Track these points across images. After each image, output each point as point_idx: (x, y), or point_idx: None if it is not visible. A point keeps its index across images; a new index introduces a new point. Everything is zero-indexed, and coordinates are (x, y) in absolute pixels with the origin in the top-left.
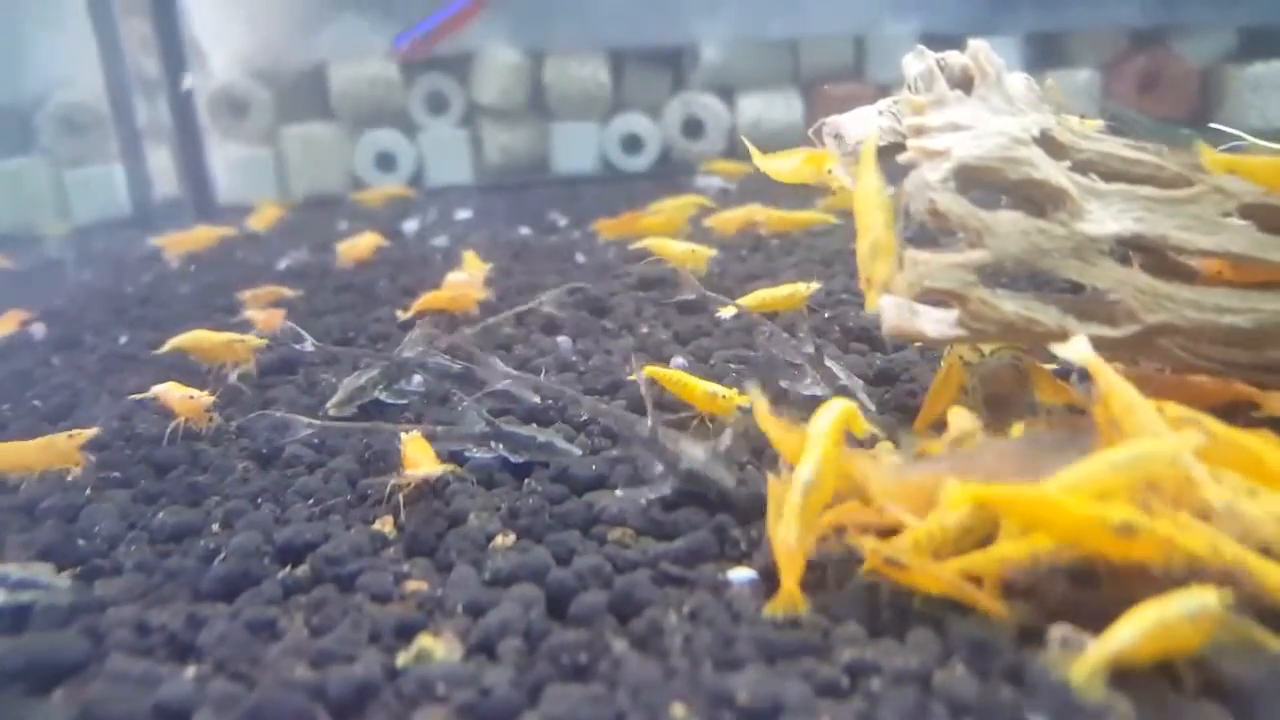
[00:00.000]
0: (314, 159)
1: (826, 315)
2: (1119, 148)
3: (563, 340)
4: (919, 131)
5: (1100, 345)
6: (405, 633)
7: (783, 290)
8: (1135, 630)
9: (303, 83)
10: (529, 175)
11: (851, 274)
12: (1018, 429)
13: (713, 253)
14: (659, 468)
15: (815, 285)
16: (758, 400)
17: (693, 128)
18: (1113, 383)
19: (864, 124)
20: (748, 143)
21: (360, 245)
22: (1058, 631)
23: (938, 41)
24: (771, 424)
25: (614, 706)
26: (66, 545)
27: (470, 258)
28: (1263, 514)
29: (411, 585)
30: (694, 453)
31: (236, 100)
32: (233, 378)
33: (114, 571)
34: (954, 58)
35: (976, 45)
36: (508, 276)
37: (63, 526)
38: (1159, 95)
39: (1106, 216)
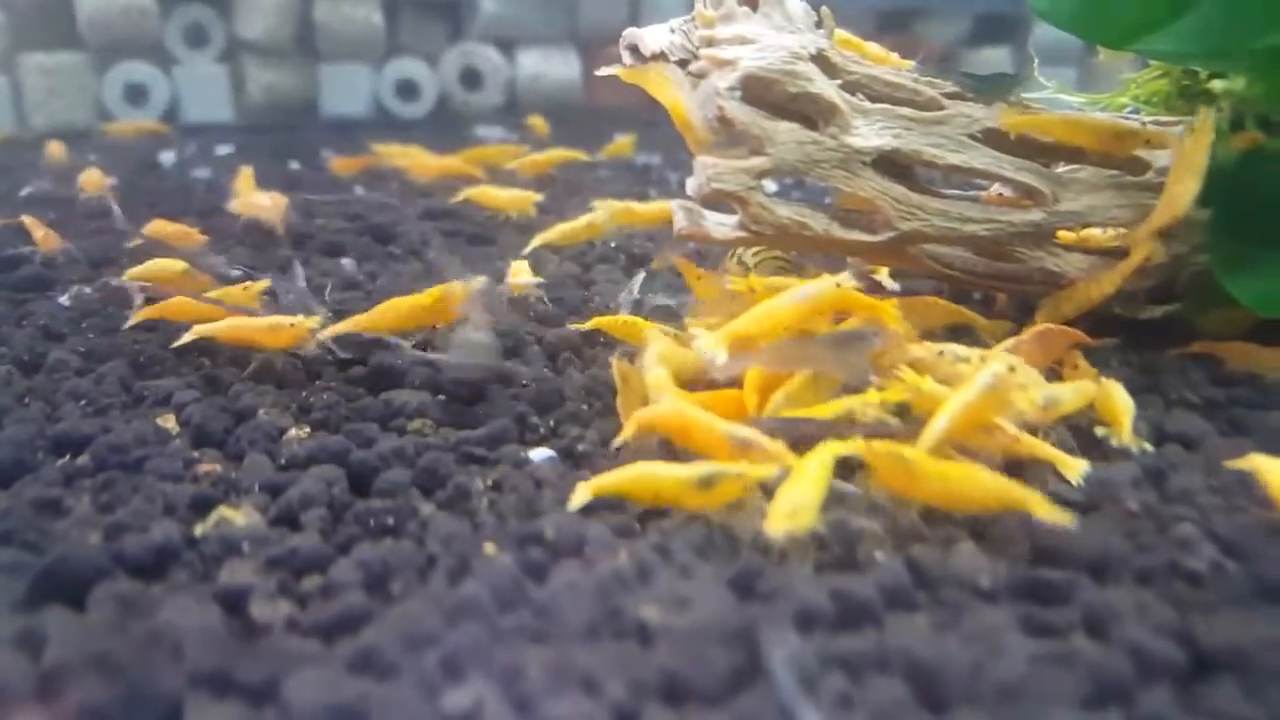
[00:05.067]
0: (56, 89)
1: (613, 245)
2: (883, 72)
3: (346, 262)
4: (709, 43)
5: (861, 250)
6: (201, 506)
7: (581, 222)
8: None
9: (44, 7)
10: (295, 116)
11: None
12: None
13: (538, 197)
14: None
15: (607, 213)
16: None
17: (471, 78)
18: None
19: (659, 37)
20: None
21: (93, 176)
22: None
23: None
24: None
25: (425, 553)
26: None
27: (246, 179)
28: None
29: (204, 468)
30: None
31: None
32: None
33: None
34: None
35: None
36: None
37: None
38: None
39: (870, 132)
